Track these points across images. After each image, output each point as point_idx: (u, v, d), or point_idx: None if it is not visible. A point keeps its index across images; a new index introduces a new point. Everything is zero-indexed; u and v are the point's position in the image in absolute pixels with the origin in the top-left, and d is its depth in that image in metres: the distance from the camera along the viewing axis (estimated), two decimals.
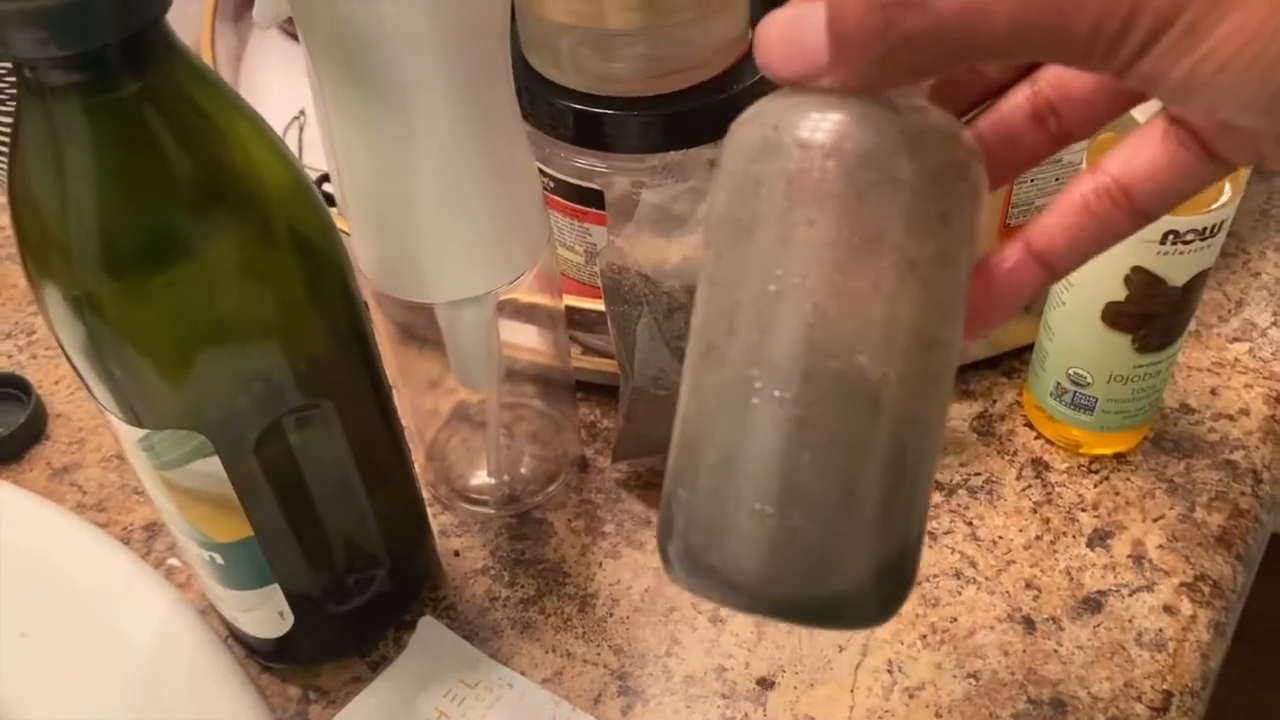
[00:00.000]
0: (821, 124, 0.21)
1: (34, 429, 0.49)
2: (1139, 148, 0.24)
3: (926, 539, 0.43)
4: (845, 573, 0.22)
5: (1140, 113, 0.26)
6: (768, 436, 0.22)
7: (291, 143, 0.60)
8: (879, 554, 0.22)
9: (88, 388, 0.31)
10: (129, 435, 0.32)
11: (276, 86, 0.62)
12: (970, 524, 0.44)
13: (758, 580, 0.22)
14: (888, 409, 0.22)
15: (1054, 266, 0.24)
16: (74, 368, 0.31)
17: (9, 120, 0.38)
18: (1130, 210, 0.24)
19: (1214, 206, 0.38)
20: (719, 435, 0.22)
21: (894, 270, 0.21)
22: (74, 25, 0.24)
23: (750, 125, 0.22)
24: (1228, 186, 0.38)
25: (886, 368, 0.21)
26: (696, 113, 0.43)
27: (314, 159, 0.58)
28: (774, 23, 0.21)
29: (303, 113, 0.61)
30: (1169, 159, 0.24)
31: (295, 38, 0.58)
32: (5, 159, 0.29)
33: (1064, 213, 0.24)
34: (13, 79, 0.37)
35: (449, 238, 0.34)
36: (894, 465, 0.22)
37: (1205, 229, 0.38)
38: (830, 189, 0.21)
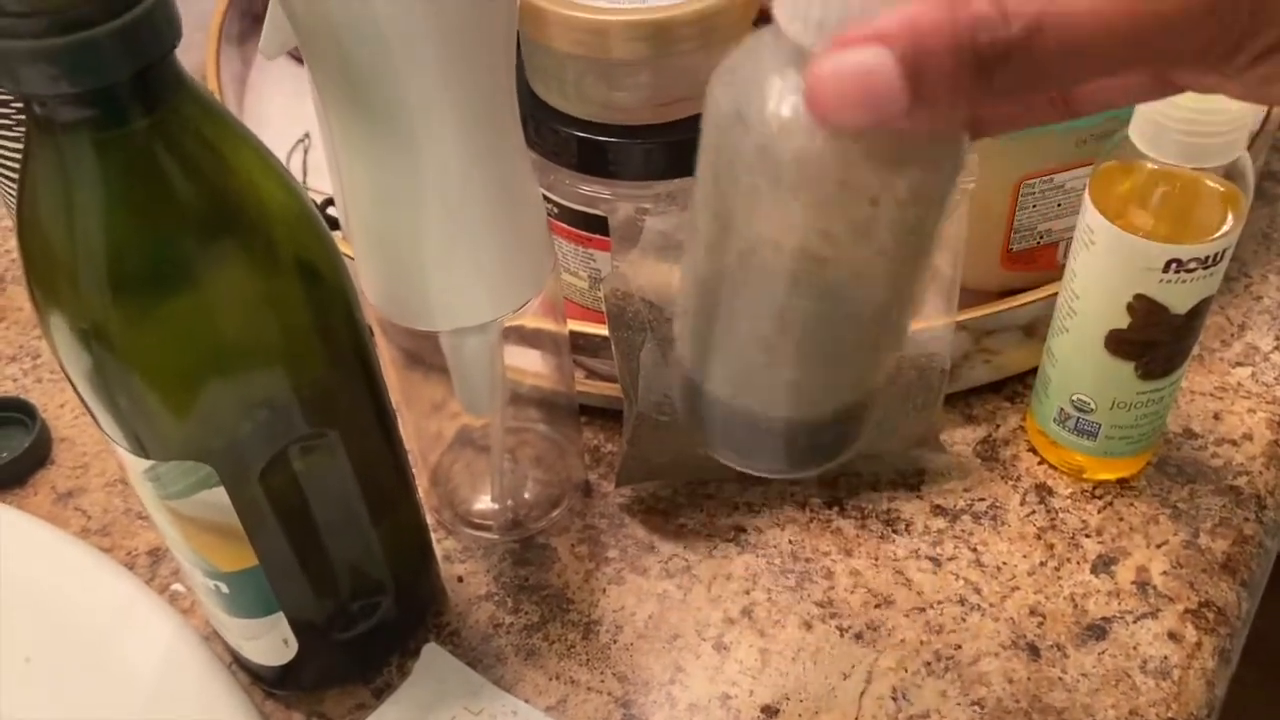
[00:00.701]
0: (786, 102, 0.21)
1: (39, 453, 0.49)
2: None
3: (930, 564, 0.44)
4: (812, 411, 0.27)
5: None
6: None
7: (296, 166, 0.61)
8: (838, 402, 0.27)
9: (94, 418, 0.31)
10: (135, 466, 0.32)
11: (281, 110, 0.63)
12: (974, 550, 0.44)
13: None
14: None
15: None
16: (80, 398, 0.31)
17: (18, 148, 0.38)
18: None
19: (1217, 235, 0.38)
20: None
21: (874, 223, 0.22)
22: (85, 63, 0.24)
23: (728, 88, 0.22)
24: (1230, 215, 0.38)
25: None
26: None
27: (318, 182, 0.58)
28: (827, 70, 0.19)
29: (307, 136, 0.61)
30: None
31: (300, 61, 0.58)
32: (14, 185, 0.29)
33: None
34: (19, 105, 0.37)
35: (454, 265, 0.34)
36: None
37: (1208, 257, 0.38)
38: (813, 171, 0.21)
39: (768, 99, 0.21)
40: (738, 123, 0.22)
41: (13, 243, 0.60)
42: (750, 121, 0.21)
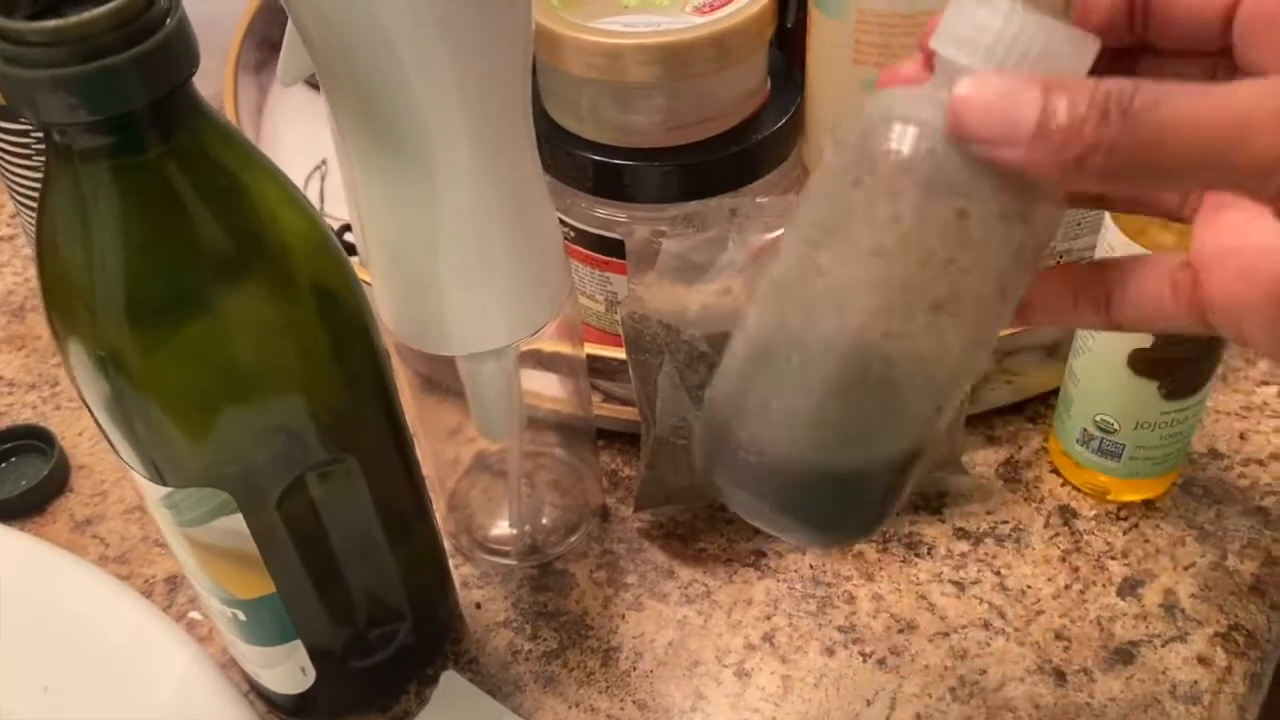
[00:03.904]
0: (909, 135, 0.22)
1: (57, 481, 0.49)
2: (1143, 268, 0.25)
3: (953, 588, 0.43)
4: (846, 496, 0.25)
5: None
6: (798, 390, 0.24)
7: (313, 192, 0.61)
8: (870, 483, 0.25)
9: (111, 445, 0.31)
10: (152, 493, 0.32)
11: (298, 137, 0.63)
12: (998, 573, 0.44)
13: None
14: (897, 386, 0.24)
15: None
16: (98, 425, 0.31)
17: (38, 177, 0.38)
18: (1104, 317, 0.26)
19: None
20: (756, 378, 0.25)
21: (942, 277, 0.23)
22: (104, 91, 0.24)
23: (873, 115, 0.23)
24: None
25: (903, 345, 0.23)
26: (716, 163, 0.43)
27: (336, 209, 0.59)
28: (987, 83, 0.21)
29: (324, 162, 0.61)
30: (1159, 300, 0.25)
31: (317, 88, 0.58)
32: (34, 214, 0.29)
33: (1055, 278, 0.26)
34: (39, 135, 0.37)
35: (471, 291, 0.34)
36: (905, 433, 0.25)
37: None
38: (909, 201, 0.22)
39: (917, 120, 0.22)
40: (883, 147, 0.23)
41: (32, 271, 0.60)
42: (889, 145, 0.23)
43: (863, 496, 0.25)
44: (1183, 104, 0.20)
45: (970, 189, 0.22)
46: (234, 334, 0.29)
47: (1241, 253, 0.23)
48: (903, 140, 0.22)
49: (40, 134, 0.27)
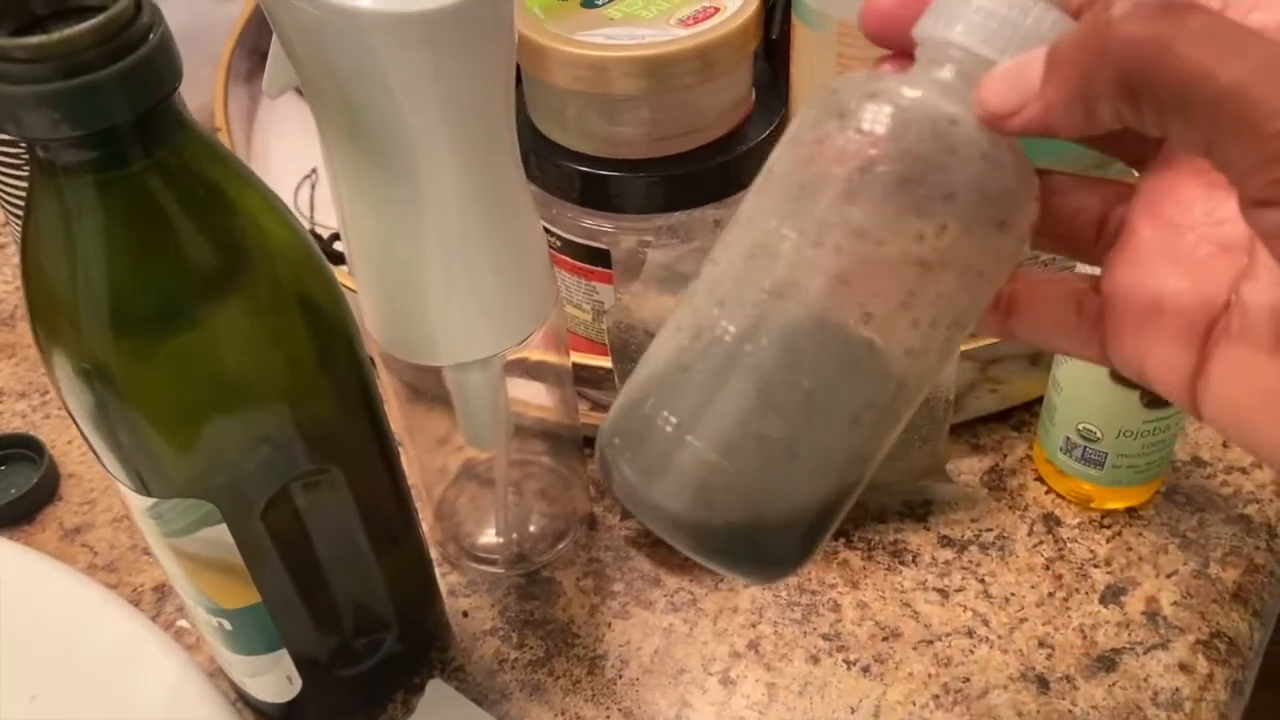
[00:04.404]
0: (881, 112, 0.22)
1: (46, 490, 0.49)
2: (1050, 284, 0.25)
3: (938, 596, 0.43)
4: (769, 518, 0.23)
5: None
6: (731, 384, 0.22)
7: (304, 201, 0.61)
8: (804, 505, 0.23)
9: (97, 456, 0.32)
10: (137, 503, 0.32)
11: (288, 146, 0.63)
12: (982, 580, 0.44)
13: (685, 514, 0.23)
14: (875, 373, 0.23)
15: None
16: (83, 436, 0.31)
17: (24, 189, 0.38)
18: (1002, 323, 0.25)
19: None
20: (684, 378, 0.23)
21: (912, 267, 0.22)
22: (87, 106, 0.24)
23: (831, 93, 0.23)
24: None
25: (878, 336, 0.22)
26: (701, 174, 0.43)
27: (326, 218, 0.59)
28: (1002, 67, 0.22)
29: (314, 171, 0.62)
30: (1063, 321, 0.24)
31: None
32: (20, 225, 0.29)
33: None
34: (25, 148, 0.37)
35: (456, 300, 0.34)
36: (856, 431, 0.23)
37: None
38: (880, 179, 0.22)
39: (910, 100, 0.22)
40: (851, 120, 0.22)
41: (20, 281, 0.60)
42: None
43: (785, 537, 0.24)
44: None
45: (958, 188, 0.22)
46: (218, 346, 0.30)
47: (1158, 298, 0.23)
48: (905, 121, 0.22)
49: (26, 147, 0.27)
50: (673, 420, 0.23)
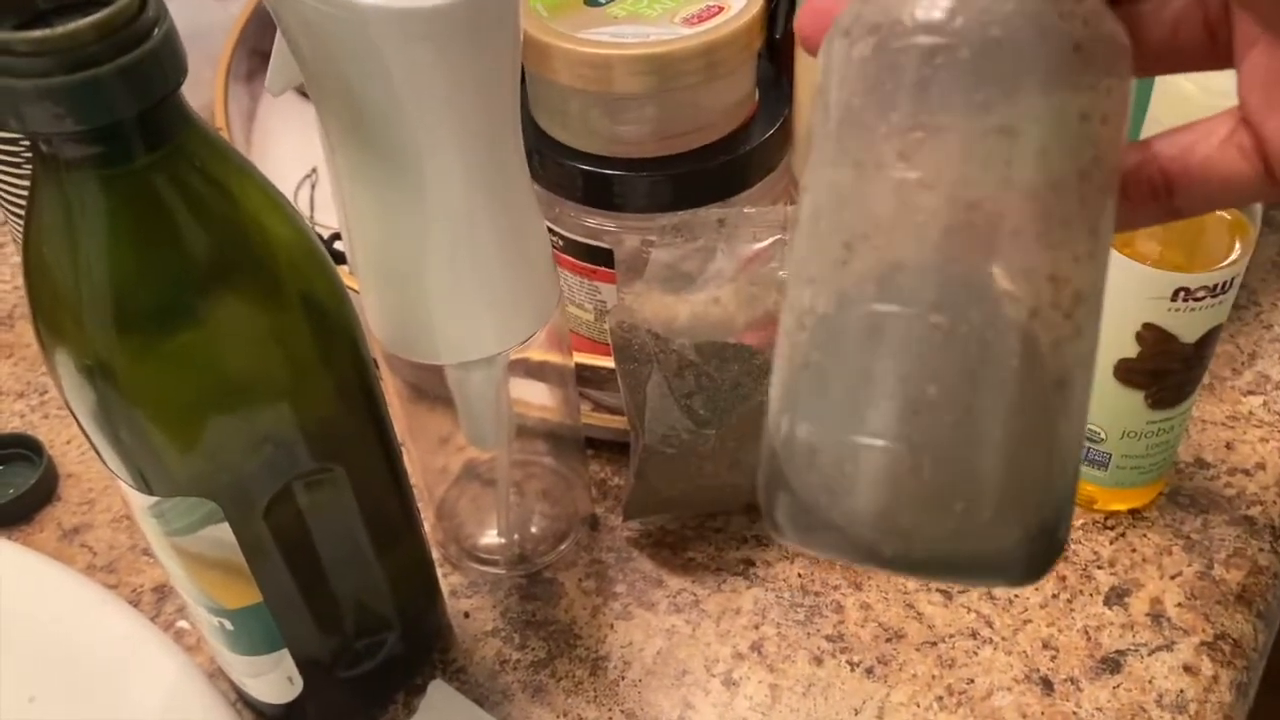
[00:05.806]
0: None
1: (45, 490, 0.49)
2: (1198, 142, 0.22)
3: (941, 597, 0.43)
4: (973, 520, 0.19)
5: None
6: (894, 356, 0.19)
7: (304, 200, 0.61)
8: (1020, 503, 0.20)
9: (98, 454, 0.31)
10: (139, 502, 0.32)
11: (289, 146, 0.63)
12: None
13: (884, 530, 0.19)
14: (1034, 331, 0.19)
15: None
16: (85, 434, 0.31)
17: (27, 184, 0.38)
18: (1165, 206, 0.23)
19: (1224, 263, 0.38)
20: (835, 367, 0.20)
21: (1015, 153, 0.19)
22: (90, 101, 0.24)
23: (855, 16, 0.20)
24: (1238, 244, 0.38)
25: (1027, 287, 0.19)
26: (705, 173, 0.43)
27: (326, 218, 0.59)
28: None
29: (315, 171, 0.62)
30: (1226, 168, 0.22)
31: (308, 96, 0.59)
32: (21, 223, 0.29)
33: None
34: (28, 144, 0.37)
35: (460, 300, 0.34)
36: (1041, 402, 0.19)
37: (1216, 286, 0.38)
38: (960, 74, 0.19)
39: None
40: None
41: (21, 279, 0.60)
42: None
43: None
44: None
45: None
46: (221, 343, 0.29)
47: None
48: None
49: (29, 142, 0.27)
50: (809, 428, 0.20)
